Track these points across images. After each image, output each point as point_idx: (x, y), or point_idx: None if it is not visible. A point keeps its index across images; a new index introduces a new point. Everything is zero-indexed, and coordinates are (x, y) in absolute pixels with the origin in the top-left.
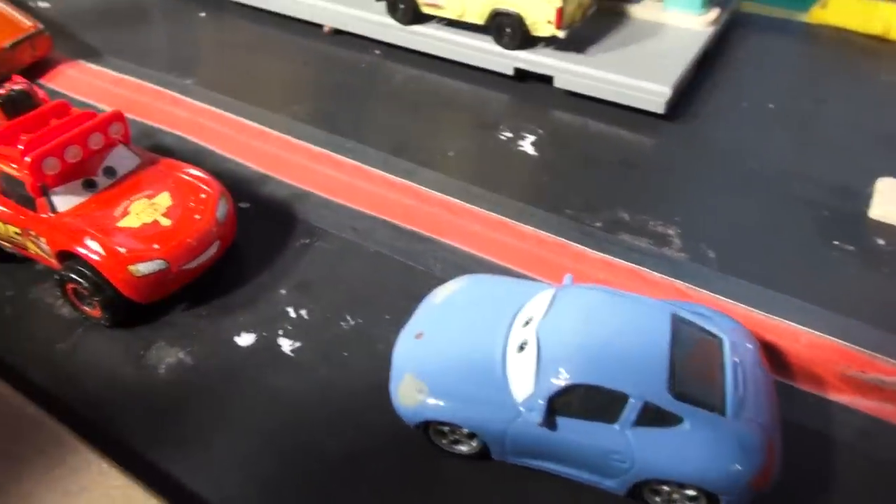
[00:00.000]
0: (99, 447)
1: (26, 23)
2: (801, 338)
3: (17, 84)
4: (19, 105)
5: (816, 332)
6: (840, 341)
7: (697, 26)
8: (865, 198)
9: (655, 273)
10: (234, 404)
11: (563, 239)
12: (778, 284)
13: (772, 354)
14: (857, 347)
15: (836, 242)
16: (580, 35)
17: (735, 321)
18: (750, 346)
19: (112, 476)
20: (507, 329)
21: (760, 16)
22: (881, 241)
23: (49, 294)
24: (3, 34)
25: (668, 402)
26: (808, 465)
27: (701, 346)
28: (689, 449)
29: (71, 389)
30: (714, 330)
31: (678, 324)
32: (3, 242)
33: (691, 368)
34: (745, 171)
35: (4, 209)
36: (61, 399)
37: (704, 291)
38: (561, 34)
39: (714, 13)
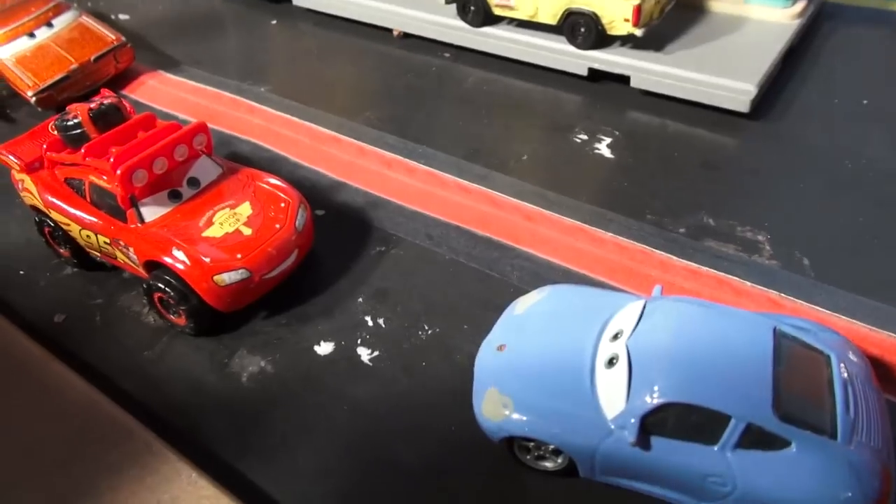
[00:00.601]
0: (187, 455)
1: (110, 36)
2: None
3: (107, 98)
4: (110, 119)
5: None
6: None
7: (782, 19)
8: None
9: (747, 282)
10: (315, 413)
11: (645, 246)
12: (879, 293)
13: (878, 370)
14: None
15: None
16: (657, 32)
17: (840, 335)
18: (859, 362)
19: (201, 486)
20: (594, 343)
21: (850, 6)
22: None
23: (136, 302)
24: (89, 47)
25: (773, 424)
26: None
27: (806, 363)
28: (797, 475)
29: (158, 396)
30: (819, 345)
31: (780, 339)
32: (93, 251)
33: (797, 387)
34: (838, 172)
35: (95, 220)
36: (149, 406)
37: (800, 302)
38: (638, 32)
39: (800, 5)
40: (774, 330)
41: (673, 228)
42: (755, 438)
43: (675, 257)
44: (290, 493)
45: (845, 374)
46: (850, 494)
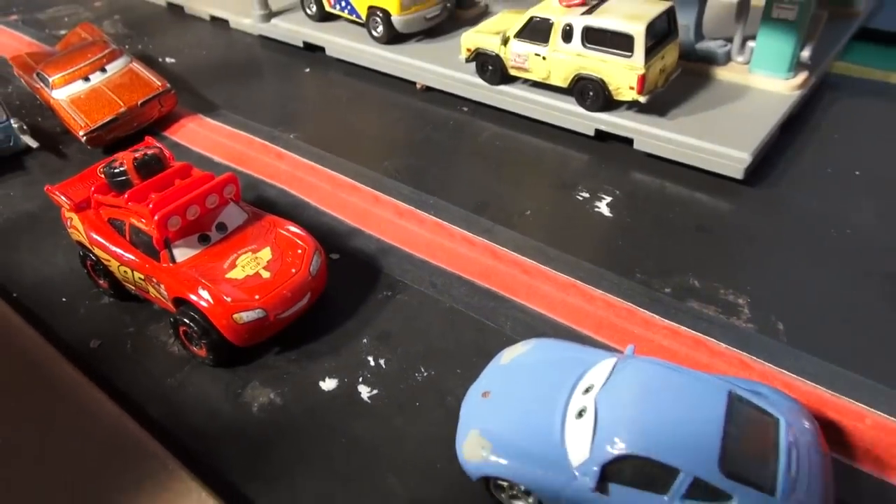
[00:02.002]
0: (199, 475)
1: (156, 82)
2: (866, 418)
3: (150, 149)
4: (151, 167)
5: (883, 414)
6: None
7: (783, 90)
8: None
9: (721, 343)
10: (316, 445)
11: (632, 304)
12: (848, 362)
13: (835, 433)
14: None
15: None
16: (663, 98)
17: (794, 400)
18: (808, 426)
19: None
20: (568, 395)
21: (854, 78)
22: None
23: (163, 332)
24: (137, 92)
25: (717, 479)
26: None
27: (756, 426)
28: None
29: (177, 421)
30: (771, 410)
31: (734, 402)
32: (128, 285)
33: (744, 447)
34: (825, 241)
35: (133, 257)
36: (169, 429)
37: (769, 365)
38: (642, 99)
39: (802, 77)
40: (729, 393)
41: (659, 288)
42: (701, 491)
43: (657, 316)
44: None
45: (792, 438)
46: None
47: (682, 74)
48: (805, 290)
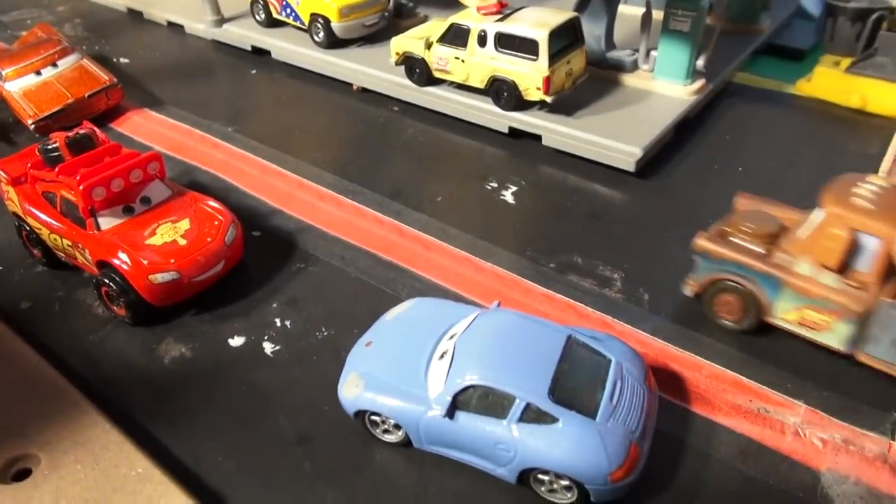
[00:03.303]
0: (107, 413)
1: (104, 77)
2: (703, 369)
3: (84, 129)
4: (82, 146)
5: (716, 365)
6: (736, 374)
7: (682, 95)
8: None
9: (590, 308)
10: (219, 391)
11: (517, 275)
12: (697, 326)
13: (676, 382)
14: (750, 380)
15: None
16: (571, 99)
17: (629, 347)
18: (636, 367)
19: (112, 433)
20: (436, 341)
21: (750, 87)
22: None
23: (90, 297)
24: (85, 85)
25: (546, 405)
26: (686, 476)
27: (587, 364)
28: (561, 444)
29: (95, 371)
30: (605, 352)
31: (572, 344)
32: (59, 252)
33: (573, 380)
34: (698, 225)
35: (62, 226)
36: (86, 378)
37: (628, 326)
38: (548, 99)
39: (699, 83)
40: (569, 337)
41: (545, 263)
42: (533, 414)
43: (537, 286)
44: (183, 449)
45: (618, 374)
46: (597, 458)
47: (593, 80)
48: (674, 266)
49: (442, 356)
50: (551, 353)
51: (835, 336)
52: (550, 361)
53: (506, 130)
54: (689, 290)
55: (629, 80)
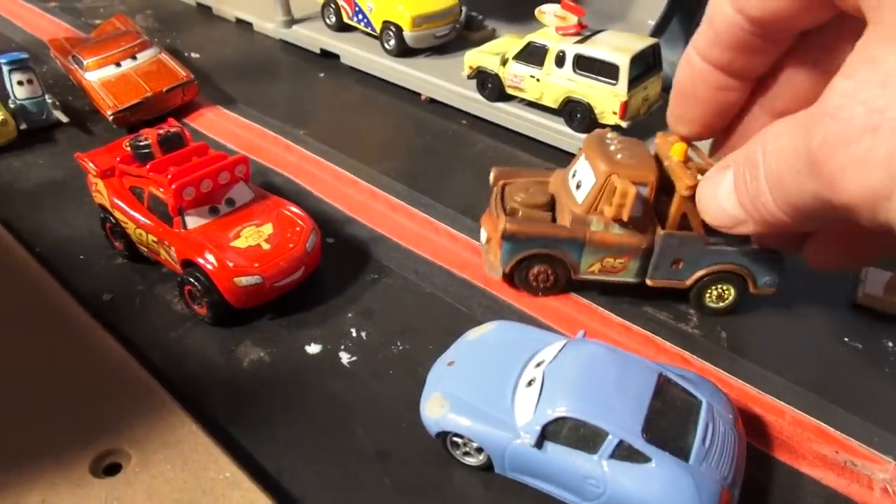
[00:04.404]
0: (192, 414)
1: (181, 73)
2: (785, 414)
3: (173, 127)
4: (172, 144)
5: (799, 411)
6: (821, 423)
7: None
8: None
9: (667, 342)
10: (296, 399)
11: (593, 303)
12: (774, 366)
13: (758, 426)
14: (835, 430)
15: (846, 339)
16: (643, 124)
17: (717, 388)
18: (726, 411)
19: (199, 435)
20: (522, 367)
21: None
22: (890, 343)
23: (169, 293)
24: (163, 80)
25: (640, 443)
26: None
27: (679, 404)
28: (653, 485)
29: (175, 368)
30: (695, 392)
31: (663, 382)
32: (142, 247)
33: (666, 420)
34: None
35: (148, 222)
36: (168, 374)
37: (707, 363)
38: (624, 124)
39: None
40: (660, 375)
41: (620, 293)
42: (625, 452)
43: (614, 315)
44: (266, 455)
45: (709, 417)
46: (690, 503)
47: (665, 105)
48: (750, 302)
49: (530, 383)
50: (643, 391)
51: (629, 273)
52: (643, 399)
53: (576, 152)
54: (496, 273)
55: None
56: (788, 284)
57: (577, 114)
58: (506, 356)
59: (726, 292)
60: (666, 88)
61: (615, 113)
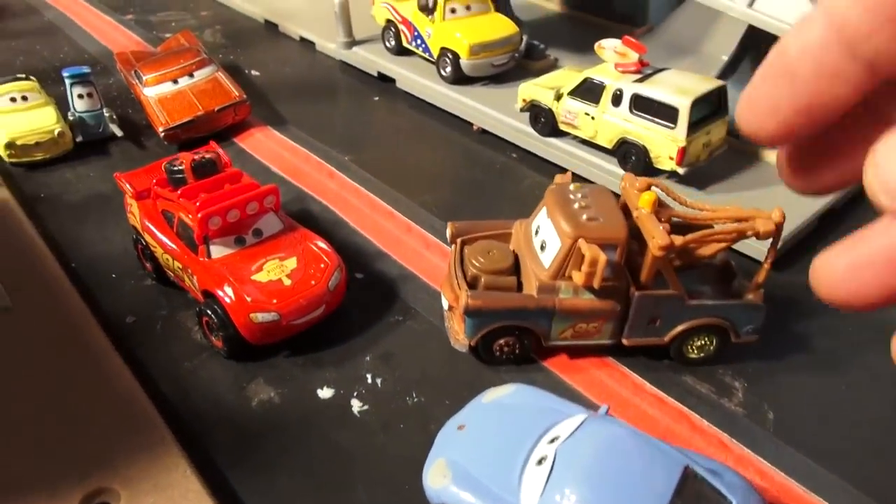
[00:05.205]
0: (190, 455)
1: (235, 92)
2: None
3: (209, 153)
4: (206, 170)
5: None
6: None
7: None
8: None
9: (705, 421)
10: (300, 446)
11: (627, 368)
12: (827, 461)
13: None
14: None
15: None
16: (705, 171)
17: (751, 487)
18: None
19: (192, 481)
20: (535, 441)
21: None
22: None
23: (190, 320)
24: (216, 99)
25: None
26: None
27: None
28: None
29: (184, 401)
30: (725, 491)
31: (688, 477)
32: (169, 272)
33: None
34: (851, 329)
35: (175, 247)
36: (175, 406)
37: (748, 450)
38: (681, 171)
39: None
40: (685, 468)
41: (658, 356)
42: None
43: (648, 383)
44: None
45: None
46: None
47: (733, 152)
48: (806, 378)
49: (540, 462)
50: (664, 486)
51: (604, 335)
52: (663, 497)
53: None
54: (461, 346)
55: (773, 156)
56: (859, 362)
57: (631, 156)
58: (519, 426)
59: (707, 343)
60: (732, 134)
61: (672, 158)
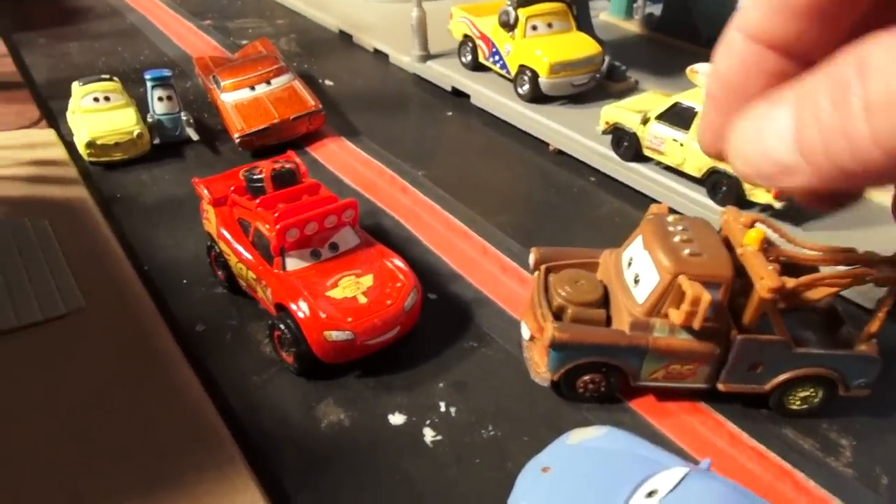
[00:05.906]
0: (257, 475)
1: (310, 101)
2: None
3: (289, 163)
4: (285, 180)
5: None
6: None
7: None
8: None
9: (810, 481)
10: (370, 475)
11: (722, 416)
12: None
13: None
14: None
15: None
16: (801, 206)
17: None
18: None
19: None
20: (629, 494)
21: None
22: None
23: (260, 332)
24: (292, 108)
25: None
26: None
27: None
28: None
29: (252, 418)
30: None
31: None
32: (241, 281)
33: None
34: None
35: (250, 257)
36: (243, 423)
37: None
38: (777, 205)
39: None
40: None
41: (757, 406)
42: None
43: (745, 434)
44: None
45: None
46: None
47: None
48: None
49: None
50: None
51: (698, 378)
52: None
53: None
54: (543, 381)
55: (876, 195)
56: None
57: (722, 186)
58: (612, 474)
59: (812, 395)
60: None
61: (769, 191)
